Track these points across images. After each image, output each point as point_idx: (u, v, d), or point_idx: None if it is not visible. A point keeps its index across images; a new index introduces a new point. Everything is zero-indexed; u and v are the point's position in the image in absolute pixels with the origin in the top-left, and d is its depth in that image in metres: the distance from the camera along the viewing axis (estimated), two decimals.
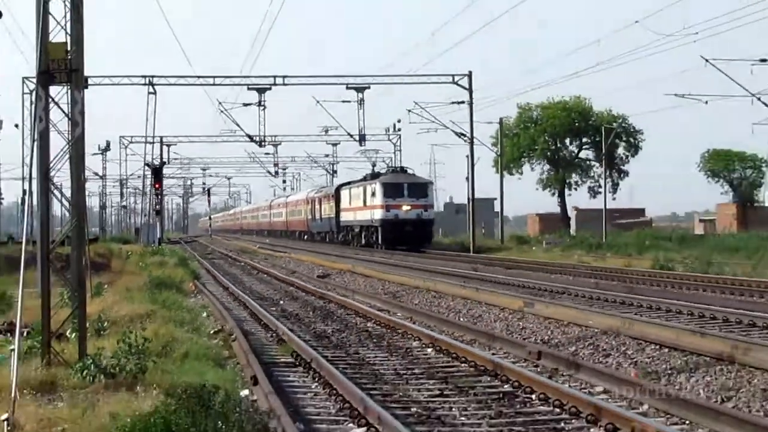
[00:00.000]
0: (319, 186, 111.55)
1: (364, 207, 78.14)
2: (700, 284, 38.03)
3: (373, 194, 73.18)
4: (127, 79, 72.47)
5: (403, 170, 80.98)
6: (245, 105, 76.98)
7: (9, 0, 31.12)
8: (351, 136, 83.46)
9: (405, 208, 68.97)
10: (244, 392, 16.86)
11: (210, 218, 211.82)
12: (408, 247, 69.15)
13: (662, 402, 15.63)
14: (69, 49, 19.73)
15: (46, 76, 19.71)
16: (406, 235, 68.95)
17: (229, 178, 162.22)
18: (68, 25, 19.60)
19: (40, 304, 19.16)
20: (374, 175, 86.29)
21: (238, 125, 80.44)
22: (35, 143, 19.88)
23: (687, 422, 14.16)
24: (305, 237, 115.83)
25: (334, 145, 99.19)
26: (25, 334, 17.22)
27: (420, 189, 73.27)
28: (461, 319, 28.05)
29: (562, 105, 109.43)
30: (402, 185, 70.79)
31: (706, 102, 74.91)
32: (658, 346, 20.69)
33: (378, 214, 71.50)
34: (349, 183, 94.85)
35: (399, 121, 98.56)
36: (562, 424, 14.45)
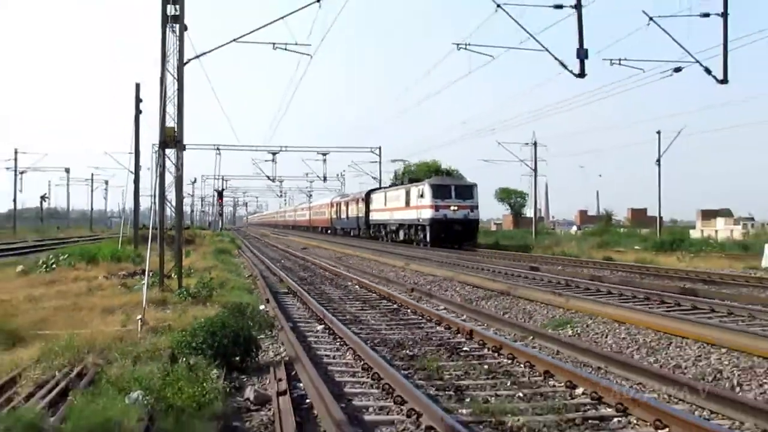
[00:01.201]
0: (341, 194, 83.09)
1: (406, 207, 52.06)
2: (494, 255, 38.30)
3: (422, 195, 48.67)
4: (204, 146, 71.36)
5: (448, 174, 57.07)
6: (266, 160, 76.00)
7: (146, 104, 30.48)
8: (319, 177, 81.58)
9: (453, 208, 46.50)
10: (262, 306, 16.77)
11: (246, 218, 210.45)
12: (455, 245, 46.78)
13: (473, 313, 15.74)
14: (176, 130, 19.57)
15: (164, 144, 19.53)
16: (453, 234, 46.46)
17: (257, 197, 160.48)
18: (175, 117, 19.44)
19: (158, 259, 19.03)
20: (411, 181, 57.90)
21: (261, 170, 79.12)
22: (157, 179, 19.72)
23: (485, 324, 14.24)
24: (328, 231, 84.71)
25: (311, 182, 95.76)
26: (150, 275, 17.07)
27: (466, 191, 48.85)
28: (373, 271, 28.01)
29: (426, 164, 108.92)
30: (450, 187, 47.95)
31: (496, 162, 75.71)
32: (472, 287, 20.78)
33: (427, 214, 47.41)
34: (379, 188, 66.26)
35: (344, 171, 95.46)
36: (422, 324, 14.46)
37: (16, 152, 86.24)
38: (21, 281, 21.65)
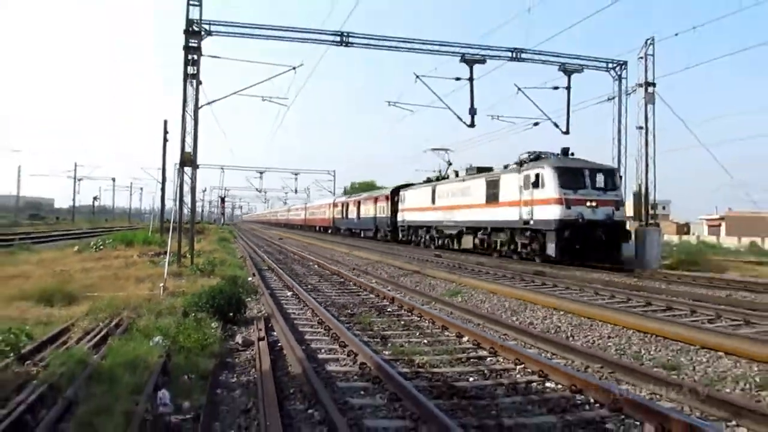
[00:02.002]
0: (349, 194, 62.26)
1: (488, 204, 24.01)
2: (411, 245, 38.18)
3: (536, 184, 19.58)
4: (212, 165, 70.06)
5: (566, 152, 21.51)
6: (255, 177, 74.67)
7: (171, 135, 29.97)
8: (292, 191, 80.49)
9: (591, 203, 18.24)
10: (250, 278, 16.54)
11: (241, 217, 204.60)
12: (596, 262, 19.79)
13: (395, 286, 15.67)
14: (192, 154, 19.22)
15: (183, 164, 19.16)
16: (595, 243, 18.21)
17: (248, 203, 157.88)
18: (192, 144, 19.11)
19: (177, 244, 18.64)
20: (484, 168, 27.12)
21: (252, 185, 78.21)
22: (178, 188, 19.34)
23: (403, 293, 14.23)
24: (328, 231, 61.31)
25: (286, 193, 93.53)
26: (170, 255, 16.73)
27: (606, 177, 19.39)
28: (327, 255, 27.88)
29: (366, 183, 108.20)
30: (583, 172, 19.08)
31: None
32: (395, 267, 20.81)
33: (550, 213, 18.68)
34: (413, 184, 37.84)
35: (309, 187, 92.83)
36: (360, 293, 14.39)
37: (75, 165, 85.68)
38: (76, 257, 21.11)
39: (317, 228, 67.70)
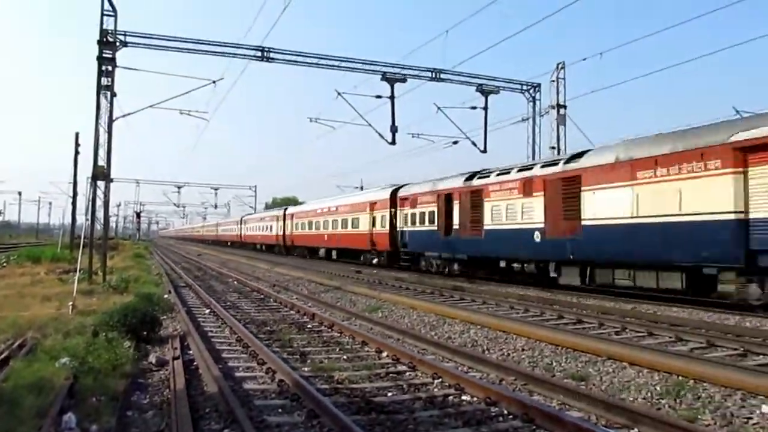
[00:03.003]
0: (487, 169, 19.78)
1: None
2: (331, 262, 37.97)
3: None
4: (127, 179, 67.45)
5: None
6: (173, 192, 72.60)
7: (84, 148, 28.78)
8: (211, 206, 78.65)
9: None
10: (165, 296, 15.98)
11: (158, 233, 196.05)
12: None
13: (316, 302, 15.57)
14: (105, 167, 18.51)
15: (95, 177, 18.41)
16: None
17: (165, 218, 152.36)
18: (105, 158, 18.40)
19: (88, 260, 17.82)
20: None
21: (170, 199, 75.66)
22: (90, 202, 18.56)
23: (324, 309, 14.14)
24: (374, 260, 29.05)
25: (205, 208, 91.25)
26: (81, 272, 15.94)
27: None
28: (248, 272, 27.33)
29: (288, 198, 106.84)
30: None
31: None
32: (316, 283, 20.64)
33: None
34: None
35: (229, 201, 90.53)
36: (280, 309, 14.20)
37: None
38: None
39: (322, 252, 37.47)
